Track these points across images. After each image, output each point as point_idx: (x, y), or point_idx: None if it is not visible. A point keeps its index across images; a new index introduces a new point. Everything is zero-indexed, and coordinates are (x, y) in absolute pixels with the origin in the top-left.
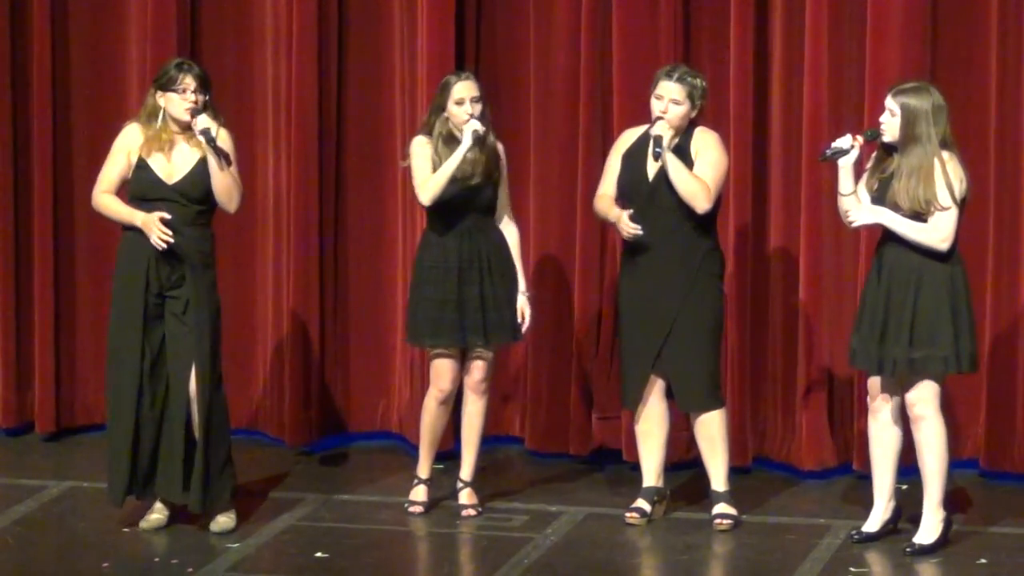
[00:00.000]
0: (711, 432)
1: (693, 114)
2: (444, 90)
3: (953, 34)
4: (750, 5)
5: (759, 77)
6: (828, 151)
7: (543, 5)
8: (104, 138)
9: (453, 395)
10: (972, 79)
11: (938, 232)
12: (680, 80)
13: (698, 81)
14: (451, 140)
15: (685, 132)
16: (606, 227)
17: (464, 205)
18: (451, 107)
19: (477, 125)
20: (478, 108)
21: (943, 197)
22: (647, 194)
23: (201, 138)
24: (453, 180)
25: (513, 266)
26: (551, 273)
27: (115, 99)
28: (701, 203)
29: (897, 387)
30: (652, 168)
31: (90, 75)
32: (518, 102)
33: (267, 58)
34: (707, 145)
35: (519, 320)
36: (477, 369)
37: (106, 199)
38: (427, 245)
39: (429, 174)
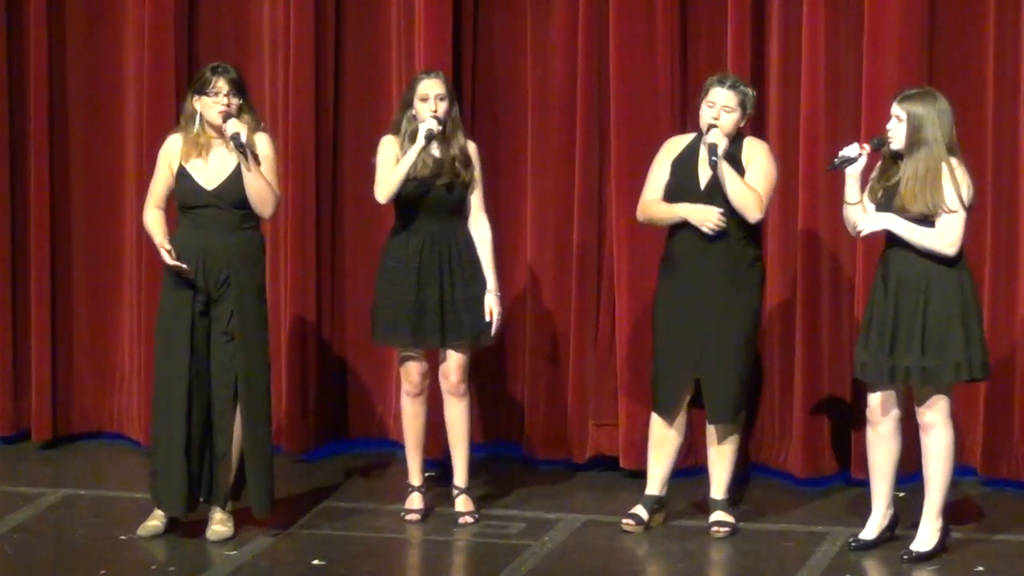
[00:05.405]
0: (726, 443)
1: (742, 123)
2: (411, 87)
3: (950, 42)
4: (747, 12)
5: (756, 84)
6: (836, 160)
7: (540, 11)
8: (102, 142)
9: (423, 389)
10: (969, 87)
11: (945, 237)
12: (733, 88)
13: (750, 90)
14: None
15: (734, 141)
16: (603, 233)
17: (428, 205)
18: (416, 104)
19: (432, 124)
20: (443, 106)
21: (951, 200)
22: (700, 203)
23: (231, 142)
24: (415, 179)
25: (480, 268)
26: (548, 279)
27: (112, 103)
28: (753, 213)
29: (898, 399)
30: (704, 177)
31: (87, 79)
32: (515, 107)
33: (264, 62)
34: (757, 154)
35: (487, 319)
36: (450, 372)
37: (150, 218)
38: (390, 245)
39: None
